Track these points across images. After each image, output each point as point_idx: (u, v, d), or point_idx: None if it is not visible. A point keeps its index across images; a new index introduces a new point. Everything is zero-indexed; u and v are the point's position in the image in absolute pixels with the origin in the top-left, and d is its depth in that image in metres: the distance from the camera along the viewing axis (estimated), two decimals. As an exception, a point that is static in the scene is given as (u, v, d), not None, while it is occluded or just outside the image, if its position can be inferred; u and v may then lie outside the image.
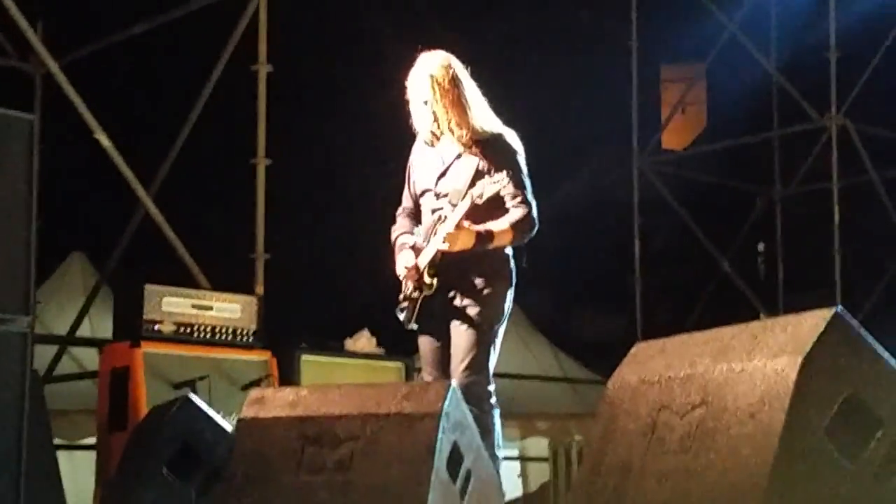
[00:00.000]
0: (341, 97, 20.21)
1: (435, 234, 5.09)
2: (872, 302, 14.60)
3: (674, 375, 3.40)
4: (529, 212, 5.10)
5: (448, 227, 5.00)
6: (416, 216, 5.35)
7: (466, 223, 4.99)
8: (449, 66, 5.12)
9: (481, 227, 5.01)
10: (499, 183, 4.95)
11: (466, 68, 5.20)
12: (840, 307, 3.16)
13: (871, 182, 14.12)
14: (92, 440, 8.25)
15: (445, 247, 5.01)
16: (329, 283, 20.59)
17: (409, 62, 5.18)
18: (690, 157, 18.65)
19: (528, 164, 5.21)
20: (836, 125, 13.57)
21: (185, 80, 10.52)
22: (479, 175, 5.04)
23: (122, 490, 5.96)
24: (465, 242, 5.00)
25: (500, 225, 5.05)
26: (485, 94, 5.23)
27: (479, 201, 4.94)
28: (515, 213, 5.09)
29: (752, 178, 16.86)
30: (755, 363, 3.15)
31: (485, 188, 4.94)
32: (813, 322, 3.13)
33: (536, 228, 5.13)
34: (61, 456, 7.21)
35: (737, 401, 3.14)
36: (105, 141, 8.54)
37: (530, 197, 5.13)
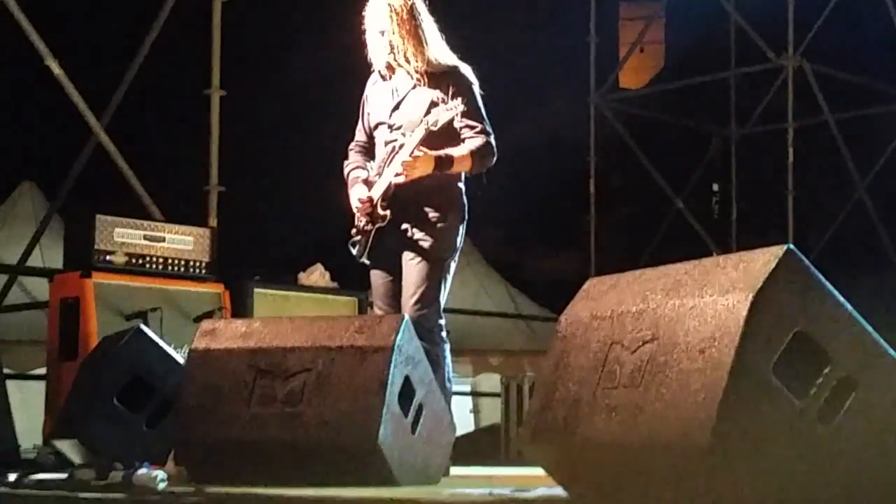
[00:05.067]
0: (297, 27, 20.02)
1: (390, 164, 5.06)
2: (824, 242, 14.72)
3: (625, 310, 3.40)
4: (489, 141, 5.09)
5: (403, 155, 4.98)
6: (368, 151, 5.32)
7: (423, 150, 4.96)
8: None
9: (441, 152, 5.00)
10: (453, 109, 4.94)
11: (425, 2, 5.17)
12: (791, 245, 3.16)
13: (827, 123, 14.17)
14: (42, 370, 8.20)
15: (401, 179, 5.00)
16: (283, 217, 20.52)
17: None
18: (647, 95, 18.59)
19: (485, 102, 5.19)
20: (792, 66, 13.59)
21: (139, 7, 10.36)
22: (434, 106, 5.02)
23: (71, 420, 5.93)
24: (425, 168, 4.98)
25: (460, 150, 5.04)
26: (441, 30, 5.20)
27: (435, 128, 4.94)
28: (475, 140, 5.08)
29: (709, 117, 16.90)
30: (706, 299, 3.16)
31: (440, 115, 4.94)
32: (765, 259, 3.13)
33: (496, 158, 5.12)
34: (11, 385, 7.15)
35: (687, 336, 3.15)
36: (56, 69, 8.42)
37: (488, 127, 5.12)
